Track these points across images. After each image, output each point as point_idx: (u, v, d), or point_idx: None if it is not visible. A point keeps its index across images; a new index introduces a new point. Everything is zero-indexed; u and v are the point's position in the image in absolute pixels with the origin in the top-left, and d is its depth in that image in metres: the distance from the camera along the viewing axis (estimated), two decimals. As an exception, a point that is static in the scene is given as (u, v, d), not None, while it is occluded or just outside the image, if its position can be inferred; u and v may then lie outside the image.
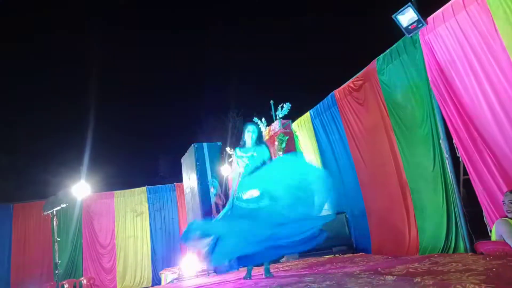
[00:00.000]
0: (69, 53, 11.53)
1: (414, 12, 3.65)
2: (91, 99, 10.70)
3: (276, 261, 3.21)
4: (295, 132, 6.29)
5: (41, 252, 9.48)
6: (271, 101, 6.62)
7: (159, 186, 10.72)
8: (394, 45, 4.17)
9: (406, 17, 3.71)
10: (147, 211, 10.41)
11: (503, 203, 2.95)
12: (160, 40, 12.25)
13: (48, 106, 11.27)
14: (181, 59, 11.97)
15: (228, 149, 7.80)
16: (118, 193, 10.46)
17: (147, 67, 12.22)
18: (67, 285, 8.50)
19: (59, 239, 6.50)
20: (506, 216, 2.95)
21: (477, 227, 3.47)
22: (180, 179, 7.76)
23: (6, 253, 9.37)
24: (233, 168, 3.55)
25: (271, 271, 3.33)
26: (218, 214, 5.63)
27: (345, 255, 4.65)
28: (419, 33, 3.79)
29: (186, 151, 6.58)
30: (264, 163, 3.27)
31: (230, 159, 7.87)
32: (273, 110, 6.56)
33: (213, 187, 5.73)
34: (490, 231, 3.10)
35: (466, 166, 3.51)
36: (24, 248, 9.55)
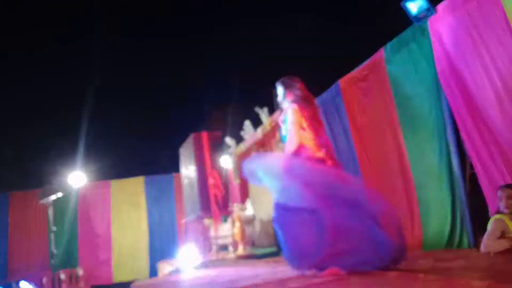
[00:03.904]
0: (66, 50, 11.44)
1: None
2: (88, 89, 10.58)
3: None
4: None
5: (37, 241, 9.51)
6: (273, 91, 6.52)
7: (157, 176, 10.64)
8: (402, 34, 4.08)
9: (416, 4, 3.61)
10: (145, 201, 10.36)
11: (500, 198, 2.92)
12: (160, 32, 12.10)
13: (44, 96, 11.16)
14: (182, 50, 11.83)
15: (228, 139, 7.72)
16: (114, 182, 10.39)
17: (146, 58, 12.09)
18: (63, 275, 8.50)
19: (55, 228, 6.46)
20: (499, 212, 2.93)
21: (482, 223, 3.42)
22: (178, 169, 7.70)
23: (3, 242, 9.40)
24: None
25: (272, 263, 3.30)
26: (216, 206, 5.60)
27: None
28: (428, 21, 3.69)
29: (184, 141, 6.50)
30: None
31: (230, 150, 7.81)
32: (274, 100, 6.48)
33: None
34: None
35: (472, 160, 3.45)
36: (21, 237, 9.57)
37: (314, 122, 2.78)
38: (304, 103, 2.80)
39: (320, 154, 2.75)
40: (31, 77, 11.18)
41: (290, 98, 2.87)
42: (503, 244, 2.76)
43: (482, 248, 2.89)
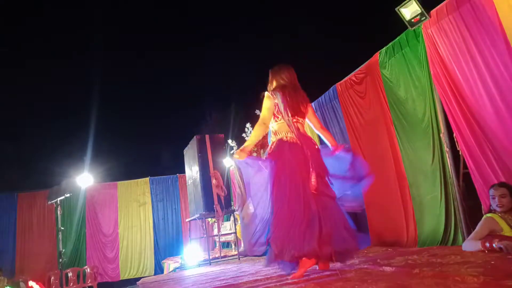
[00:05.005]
0: (74, 53, 11.60)
1: (418, 5, 3.62)
2: (95, 93, 10.74)
3: None
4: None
5: (45, 241, 9.62)
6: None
7: (162, 177, 10.81)
8: (396, 38, 4.14)
9: (409, 10, 3.68)
10: (150, 201, 10.52)
11: (492, 197, 2.91)
12: (161, 34, 12.18)
13: (52, 98, 11.33)
14: (183, 52, 11.93)
15: (230, 141, 7.84)
16: (121, 184, 10.56)
17: (149, 61, 12.21)
18: (71, 274, 8.63)
19: (63, 228, 6.59)
20: (490, 211, 2.93)
21: (475, 221, 3.48)
22: (182, 171, 7.82)
23: (11, 241, 9.52)
24: None
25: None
26: (219, 205, 5.71)
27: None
28: (422, 26, 3.75)
29: (188, 143, 6.62)
30: None
31: (232, 151, 7.91)
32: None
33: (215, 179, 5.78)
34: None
35: (466, 159, 3.50)
36: (28, 237, 9.68)
37: (290, 110, 2.83)
38: (281, 91, 2.87)
39: (289, 135, 2.84)
40: (41, 81, 11.36)
41: (272, 85, 3.00)
42: (477, 245, 2.74)
43: (462, 246, 2.91)
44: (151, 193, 10.58)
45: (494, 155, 3.27)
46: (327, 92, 5.40)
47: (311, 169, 2.71)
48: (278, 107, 2.87)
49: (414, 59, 3.94)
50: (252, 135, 2.98)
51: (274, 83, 2.99)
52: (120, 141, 11.63)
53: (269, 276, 2.93)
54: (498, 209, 2.86)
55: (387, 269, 2.55)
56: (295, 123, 2.86)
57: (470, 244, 2.81)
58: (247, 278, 3.18)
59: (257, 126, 2.96)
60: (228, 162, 6.71)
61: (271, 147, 2.94)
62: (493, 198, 2.90)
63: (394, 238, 4.30)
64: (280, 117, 2.88)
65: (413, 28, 3.82)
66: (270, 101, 2.90)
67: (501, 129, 3.21)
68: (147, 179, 10.66)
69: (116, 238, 10.22)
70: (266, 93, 2.94)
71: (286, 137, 2.85)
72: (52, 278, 8.48)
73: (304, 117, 2.95)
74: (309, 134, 3.09)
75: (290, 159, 2.75)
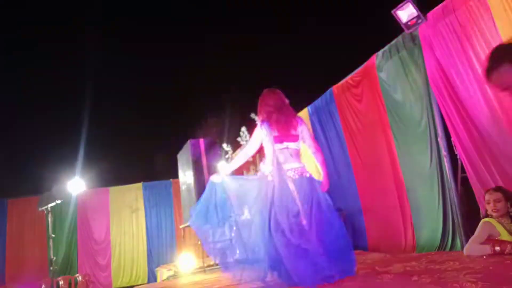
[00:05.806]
0: (65, 56, 11.52)
1: (414, 7, 3.62)
2: (86, 95, 10.64)
3: None
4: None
5: (36, 248, 9.46)
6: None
7: (155, 182, 10.66)
8: (393, 41, 4.15)
9: (406, 12, 3.67)
10: (143, 207, 10.37)
11: (487, 202, 2.92)
12: (156, 37, 12.15)
13: (44, 103, 11.22)
14: (179, 56, 11.91)
15: (225, 145, 7.78)
16: (113, 189, 10.40)
17: (144, 65, 12.16)
18: (62, 282, 8.47)
19: (54, 235, 6.48)
20: (487, 215, 2.93)
21: (474, 225, 3.47)
22: (176, 175, 7.74)
23: (0, 249, 9.35)
24: None
25: None
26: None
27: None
28: (419, 29, 3.76)
29: (182, 147, 6.56)
30: None
31: (227, 156, 7.85)
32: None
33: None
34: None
35: (463, 164, 3.50)
36: (18, 244, 9.52)
37: (275, 138, 2.83)
38: (269, 120, 2.85)
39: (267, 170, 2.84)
40: (31, 84, 11.25)
41: (260, 116, 2.98)
42: (485, 249, 2.73)
43: (464, 251, 2.89)
44: (144, 199, 10.42)
45: (492, 160, 3.27)
46: (323, 95, 5.39)
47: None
48: (268, 137, 2.85)
49: (411, 62, 3.94)
50: (234, 161, 3.05)
51: (262, 114, 2.97)
52: (111, 146, 11.51)
53: (264, 285, 2.87)
54: (493, 214, 2.88)
55: (386, 276, 2.53)
56: (284, 150, 2.83)
57: (477, 248, 2.79)
58: (243, 286, 3.12)
59: (241, 154, 3.01)
60: (223, 166, 6.65)
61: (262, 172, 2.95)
62: (488, 203, 2.93)
63: (392, 243, 4.28)
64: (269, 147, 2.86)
65: (409, 31, 3.82)
66: (256, 133, 2.92)
67: (498, 133, 3.20)
68: (140, 184, 10.51)
69: (108, 245, 10.05)
70: (258, 126, 2.95)
71: (271, 173, 2.81)
72: (43, 286, 8.32)
73: (296, 140, 2.88)
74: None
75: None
